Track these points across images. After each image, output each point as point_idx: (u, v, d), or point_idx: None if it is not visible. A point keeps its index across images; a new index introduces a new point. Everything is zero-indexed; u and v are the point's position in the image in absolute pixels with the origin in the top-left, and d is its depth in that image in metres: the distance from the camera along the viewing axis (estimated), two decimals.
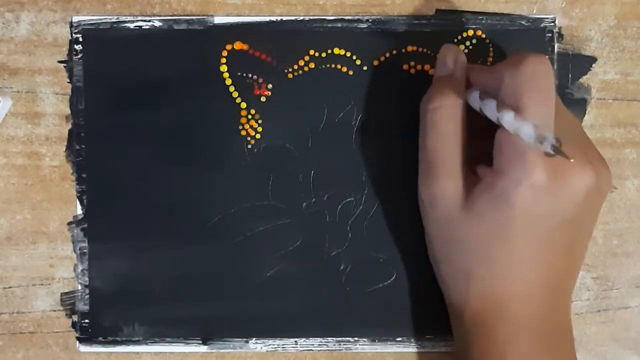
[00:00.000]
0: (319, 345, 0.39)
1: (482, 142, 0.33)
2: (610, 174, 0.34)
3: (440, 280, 0.36)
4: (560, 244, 0.33)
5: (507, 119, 0.31)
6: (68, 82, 0.39)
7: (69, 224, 0.39)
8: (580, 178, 0.32)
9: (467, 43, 0.38)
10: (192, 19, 0.38)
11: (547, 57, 0.32)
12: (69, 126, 0.39)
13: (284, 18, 0.38)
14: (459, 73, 0.35)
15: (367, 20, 0.38)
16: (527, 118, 0.30)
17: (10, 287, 0.39)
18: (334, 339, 0.39)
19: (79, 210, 0.39)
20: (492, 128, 0.32)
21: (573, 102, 0.39)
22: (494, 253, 0.33)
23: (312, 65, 0.38)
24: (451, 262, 0.35)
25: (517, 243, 0.32)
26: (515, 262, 0.33)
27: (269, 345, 0.39)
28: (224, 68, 0.38)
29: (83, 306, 0.39)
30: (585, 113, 0.39)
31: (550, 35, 0.38)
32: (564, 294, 0.35)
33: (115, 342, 0.39)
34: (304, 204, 0.39)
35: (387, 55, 0.38)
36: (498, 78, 0.32)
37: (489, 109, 0.32)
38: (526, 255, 0.33)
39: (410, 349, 0.39)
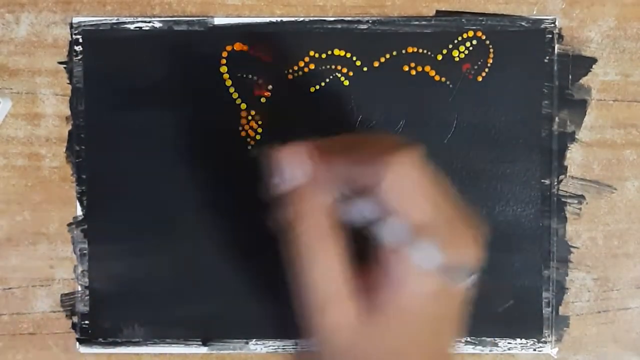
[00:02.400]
0: None
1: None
2: (480, 249, 0.30)
3: None
4: (449, 331, 0.31)
5: (399, 234, 0.28)
6: (68, 83, 0.39)
7: (69, 225, 0.39)
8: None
9: (468, 44, 0.38)
10: (192, 20, 0.38)
11: (414, 149, 0.28)
12: (69, 127, 0.39)
13: (284, 19, 0.38)
14: (311, 180, 0.29)
15: (367, 22, 0.38)
16: (421, 234, 0.27)
17: (10, 288, 0.39)
18: None
19: (79, 211, 0.39)
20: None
21: (573, 103, 0.39)
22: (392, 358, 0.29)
23: (312, 66, 0.38)
24: None
25: (414, 344, 0.30)
26: (409, 357, 0.30)
27: (269, 346, 0.39)
28: (224, 69, 0.38)
29: (83, 307, 0.39)
30: (585, 114, 0.39)
31: (550, 36, 0.38)
32: None
33: (115, 344, 0.39)
34: None
35: (388, 56, 0.38)
36: (368, 176, 0.28)
37: (358, 213, 0.29)
38: (421, 348, 0.30)
39: None
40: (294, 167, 0.29)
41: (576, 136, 0.39)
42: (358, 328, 0.29)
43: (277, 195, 0.30)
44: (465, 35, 0.38)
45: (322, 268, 0.28)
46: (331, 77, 0.38)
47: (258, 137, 0.38)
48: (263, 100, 0.38)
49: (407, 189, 0.28)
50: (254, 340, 0.39)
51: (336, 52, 0.38)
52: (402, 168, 0.28)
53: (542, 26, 0.38)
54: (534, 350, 0.39)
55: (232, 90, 0.38)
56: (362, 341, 0.29)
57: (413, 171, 0.28)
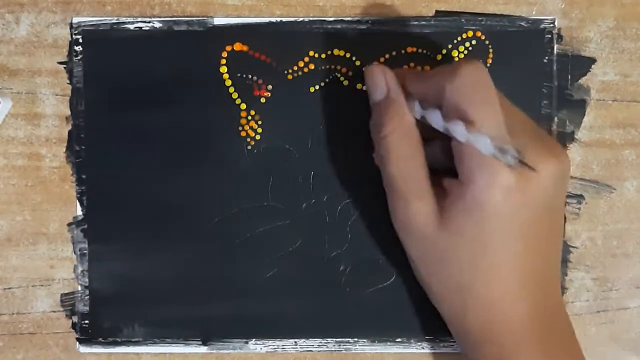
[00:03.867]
0: (319, 346, 0.39)
1: (433, 146, 0.34)
2: (568, 156, 0.34)
3: (434, 299, 0.36)
4: (537, 234, 0.33)
5: (459, 131, 0.31)
6: (68, 83, 0.39)
7: (69, 225, 0.39)
8: (545, 170, 0.32)
9: (467, 44, 0.38)
10: (192, 20, 0.38)
11: (480, 61, 0.33)
12: (69, 127, 0.39)
13: (284, 19, 0.38)
14: (395, 91, 0.34)
15: (367, 22, 0.38)
16: (478, 129, 0.31)
17: (10, 288, 0.39)
18: (334, 339, 0.39)
19: (79, 211, 0.39)
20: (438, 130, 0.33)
21: (572, 103, 0.39)
22: (480, 261, 0.33)
23: (311, 67, 0.38)
24: (441, 280, 0.35)
25: (499, 246, 0.33)
26: (501, 265, 0.33)
27: (269, 346, 0.39)
28: (223, 69, 0.38)
29: (83, 307, 0.39)
30: (584, 114, 0.39)
31: (549, 36, 0.38)
32: (552, 280, 0.35)
33: (115, 343, 0.39)
34: (304, 204, 0.39)
35: (387, 56, 0.38)
36: (437, 88, 0.33)
37: (435, 119, 0.32)
38: (509, 255, 0.33)
39: (410, 349, 0.39)
40: (381, 77, 0.35)
41: (575, 136, 0.39)
42: (437, 223, 0.33)
43: (373, 103, 0.35)
44: (464, 36, 0.38)
45: (404, 167, 0.33)
46: (331, 77, 0.38)
47: (258, 137, 0.38)
48: (263, 100, 0.39)
49: (471, 88, 0.32)
50: (254, 340, 0.39)
51: (336, 52, 0.38)
52: (466, 72, 0.32)
53: (541, 26, 0.38)
54: None
55: (232, 90, 0.38)
56: (441, 233, 0.33)
57: (476, 75, 0.32)
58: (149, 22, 0.38)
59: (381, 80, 0.35)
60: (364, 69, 0.36)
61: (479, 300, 0.33)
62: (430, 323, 0.39)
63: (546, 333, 0.33)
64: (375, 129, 0.34)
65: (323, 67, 0.38)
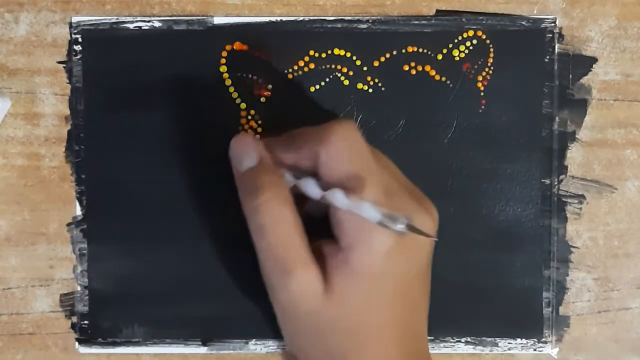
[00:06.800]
0: None
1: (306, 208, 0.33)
2: (434, 207, 0.34)
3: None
4: (414, 293, 0.33)
5: (340, 200, 0.30)
6: (67, 83, 0.39)
7: (69, 224, 0.39)
8: (424, 229, 0.31)
9: (468, 44, 0.38)
10: (192, 20, 0.38)
11: (351, 121, 0.32)
12: (68, 127, 0.39)
13: (284, 18, 0.38)
14: (267, 157, 0.33)
15: (367, 21, 0.38)
16: (360, 196, 0.30)
17: (9, 288, 0.39)
18: None
19: (79, 211, 0.39)
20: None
21: (574, 102, 0.39)
22: (360, 329, 0.32)
23: (312, 66, 0.38)
24: (318, 352, 0.33)
25: (379, 309, 0.32)
26: (380, 326, 0.32)
27: (269, 346, 0.39)
28: (223, 69, 0.38)
29: (82, 307, 0.39)
30: (586, 114, 0.39)
31: (550, 35, 0.38)
32: (423, 335, 0.35)
33: (114, 344, 0.39)
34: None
35: (387, 55, 0.38)
36: (309, 155, 0.32)
37: (310, 189, 0.31)
38: (388, 317, 0.32)
39: None
40: (248, 149, 0.33)
41: (577, 136, 0.39)
42: (321, 293, 0.31)
43: (240, 173, 0.33)
44: (465, 35, 0.38)
45: (284, 235, 0.31)
46: (331, 76, 0.38)
47: (258, 136, 0.38)
48: (263, 99, 0.38)
49: (346, 153, 0.31)
50: (254, 340, 0.39)
51: (336, 51, 0.38)
52: (339, 136, 0.31)
53: (542, 25, 0.38)
54: (534, 350, 0.39)
55: (231, 89, 0.38)
56: (325, 304, 0.31)
57: (349, 138, 0.31)
58: (149, 21, 0.38)
59: (251, 148, 0.33)
60: (232, 141, 0.34)
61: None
62: (430, 323, 0.38)
63: None
64: (248, 198, 0.32)
65: (323, 67, 0.38)
